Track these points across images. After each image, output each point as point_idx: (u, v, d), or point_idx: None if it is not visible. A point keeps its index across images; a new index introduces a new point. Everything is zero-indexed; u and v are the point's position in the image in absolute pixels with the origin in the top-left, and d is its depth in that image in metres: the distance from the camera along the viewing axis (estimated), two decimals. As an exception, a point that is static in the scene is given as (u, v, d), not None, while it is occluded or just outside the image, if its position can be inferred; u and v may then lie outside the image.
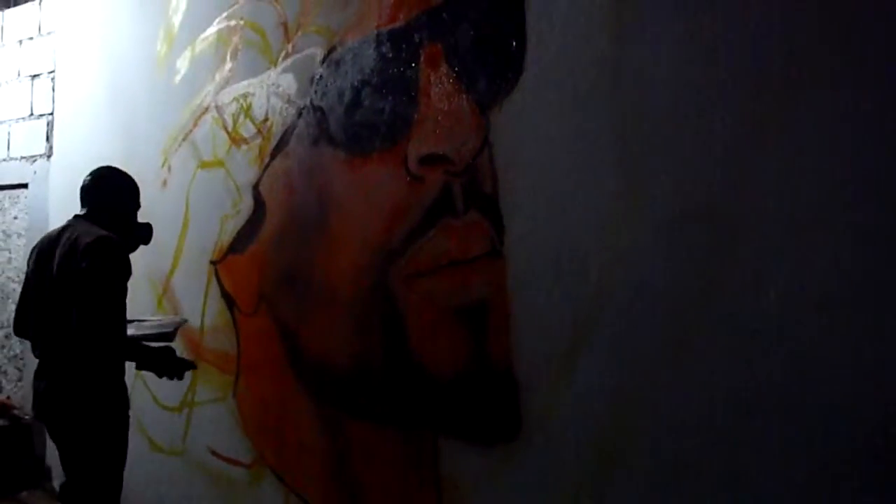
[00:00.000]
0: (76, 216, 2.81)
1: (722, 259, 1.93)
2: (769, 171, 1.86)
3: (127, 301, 2.69)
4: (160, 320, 3.20)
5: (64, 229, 2.76)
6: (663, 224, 2.04)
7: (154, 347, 2.81)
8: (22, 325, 2.88)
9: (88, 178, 2.84)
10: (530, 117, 2.30)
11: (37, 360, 2.80)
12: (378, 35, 2.71)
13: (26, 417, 4.41)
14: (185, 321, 3.19)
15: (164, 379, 2.85)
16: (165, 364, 2.81)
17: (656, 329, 2.05)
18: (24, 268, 2.95)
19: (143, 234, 2.96)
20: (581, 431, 2.19)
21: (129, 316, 2.77)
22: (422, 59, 2.58)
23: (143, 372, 3.54)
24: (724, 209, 1.94)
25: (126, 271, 2.66)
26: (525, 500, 2.31)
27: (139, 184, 2.94)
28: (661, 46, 2.05)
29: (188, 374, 2.98)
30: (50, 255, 2.69)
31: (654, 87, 2.06)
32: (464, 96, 2.46)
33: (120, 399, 2.77)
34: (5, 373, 4.77)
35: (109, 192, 2.85)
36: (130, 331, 2.88)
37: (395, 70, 2.65)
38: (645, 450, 2.07)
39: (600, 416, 2.15)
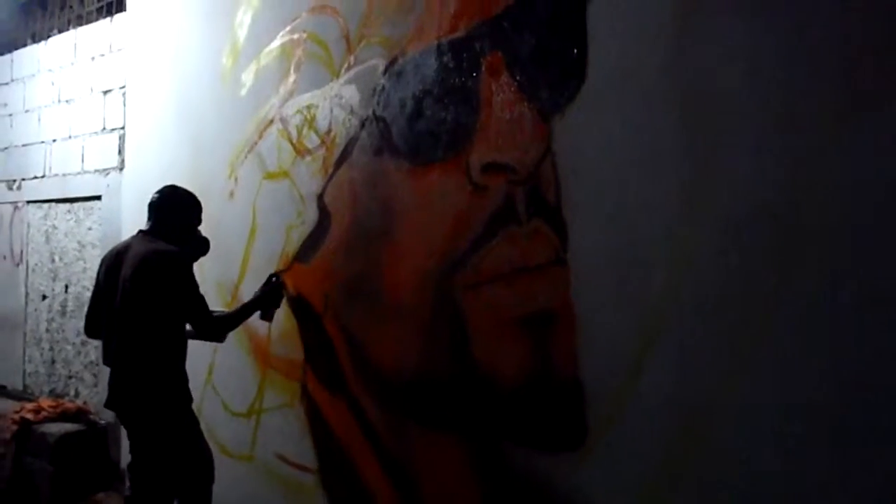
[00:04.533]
0: (140, 231, 3.07)
1: (791, 262, 1.90)
2: (838, 172, 1.83)
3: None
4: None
5: (130, 244, 3.02)
6: (729, 228, 2.01)
7: (245, 302, 3.23)
8: (92, 328, 3.18)
9: (156, 195, 3.09)
10: (593, 124, 2.30)
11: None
12: (439, 45, 2.73)
13: (102, 422, 4.55)
14: (276, 274, 3.29)
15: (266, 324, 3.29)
16: (262, 302, 3.19)
17: (724, 335, 2.02)
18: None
19: (202, 247, 3.22)
20: (647, 441, 2.17)
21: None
22: (483, 68, 2.59)
23: (213, 380, 3.67)
24: (791, 211, 1.91)
25: (192, 274, 2.94)
26: (592, 509, 2.30)
27: (206, 195, 3.06)
28: (725, 50, 2.02)
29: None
30: (118, 266, 2.97)
31: (718, 91, 2.04)
32: (526, 104, 2.47)
33: (178, 387, 3.01)
34: (82, 379, 4.93)
35: (173, 208, 3.09)
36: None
37: (457, 80, 2.67)
38: (713, 462, 2.04)
39: (667, 426, 2.13)
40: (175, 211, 3.08)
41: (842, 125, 1.83)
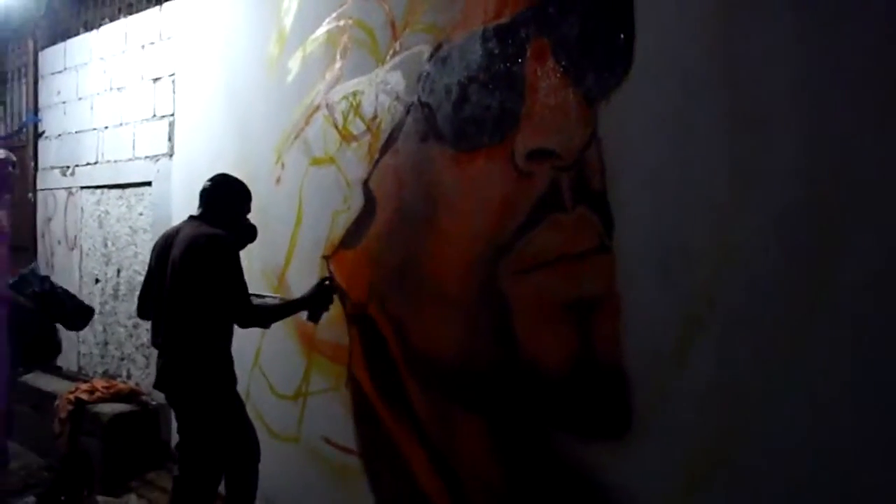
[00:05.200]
0: (191, 216, 3.13)
1: (837, 252, 1.87)
2: (885, 162, 1.79)
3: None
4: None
5: (180, 228, 3.09)
6: (776, 217, 1.99)
7: (294, 299, 3.26)
8: (144, 310, 3.30)
9: (208, 182, 3.16)
10: (639, 110, 2.28)
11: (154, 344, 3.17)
12: (484, 31, 2.73)
13: (153, 403, 4.66)
14: (329, 278, 3.32)
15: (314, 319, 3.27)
16: (310, 303, 3.20)
17: (769, 325, 2.00)
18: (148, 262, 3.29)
19: (250, 234, 3.27)
20: (691, 430, 2.17)
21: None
22: (528, 54, 2.58)
23: (261, 363, 3.73)
24: (838, 201, 1.87)
25: (238, 260, 2.97)
26: (636, 495, 2.30)
27: (254, 181, 3.11)
28: (774, 37, 1.99)
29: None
30: (168, 249, 3.03)
31: (766, 78, 2.01)
32: (571, 90, 2.46)
33: (225, 369, 3.09)
34: (134, 360, 5.05)
35: (224, 196, 3.16)
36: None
37: (502, 66, 2.66)
38: (757, 451, 2.03)
39: (711, 416, 2.12)
40: (226, 199, 3.14)
41: (888, 115, 1.79)
